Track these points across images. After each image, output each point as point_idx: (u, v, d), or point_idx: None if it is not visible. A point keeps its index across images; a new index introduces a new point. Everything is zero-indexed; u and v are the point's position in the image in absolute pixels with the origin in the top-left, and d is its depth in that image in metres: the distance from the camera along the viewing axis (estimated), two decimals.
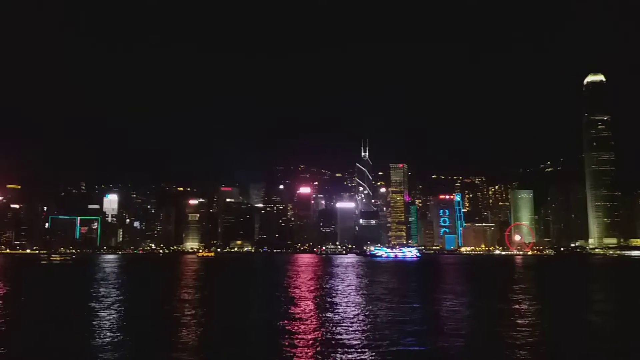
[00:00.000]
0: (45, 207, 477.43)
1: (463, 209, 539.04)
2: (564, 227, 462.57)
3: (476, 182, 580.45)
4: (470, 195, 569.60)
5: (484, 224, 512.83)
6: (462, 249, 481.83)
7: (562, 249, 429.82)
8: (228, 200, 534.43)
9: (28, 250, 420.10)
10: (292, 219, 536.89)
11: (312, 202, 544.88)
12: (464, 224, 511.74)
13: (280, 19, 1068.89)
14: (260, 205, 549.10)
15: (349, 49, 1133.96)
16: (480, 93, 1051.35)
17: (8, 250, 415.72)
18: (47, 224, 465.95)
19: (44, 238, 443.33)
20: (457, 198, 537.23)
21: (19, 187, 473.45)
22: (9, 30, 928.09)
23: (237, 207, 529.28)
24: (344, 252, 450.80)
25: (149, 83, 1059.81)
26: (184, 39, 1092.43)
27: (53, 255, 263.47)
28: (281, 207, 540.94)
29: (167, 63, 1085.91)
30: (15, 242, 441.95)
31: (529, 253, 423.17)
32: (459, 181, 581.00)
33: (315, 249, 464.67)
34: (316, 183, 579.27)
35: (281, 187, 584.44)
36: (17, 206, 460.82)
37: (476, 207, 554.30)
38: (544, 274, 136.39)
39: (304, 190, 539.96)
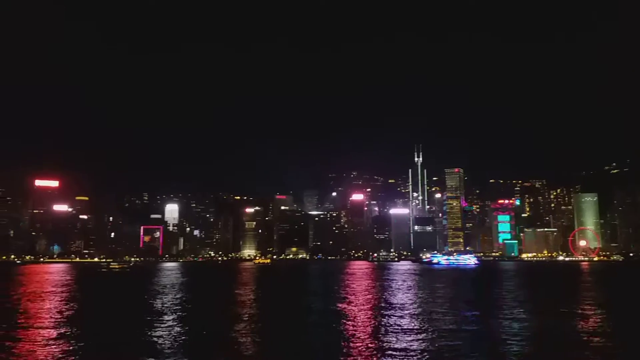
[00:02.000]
0: (111, 218, 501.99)
1: (523, 213, 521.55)
2: (632, 231, 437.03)
3: (537, 185, 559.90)
4: (531, 200, 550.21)
5: (545, 229, 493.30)
6: (523, 255, 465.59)
7: (631, 254, 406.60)
8: (282, 208, 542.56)
9: (96, 259, 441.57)
10: (346, 226, 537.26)
11: (365, 208, 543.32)
12: (525, 230, 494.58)
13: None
14: (314, 212, 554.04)
15: (397, 40, 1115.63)
16: (539, 94, 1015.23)
17: (78, 259, 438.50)
18: (112, 234, 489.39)
19: (110, 247, 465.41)
20: (517, 202, 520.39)
21: (86, 198, 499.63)
22: (53, 38, 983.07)
23: (292, 215, 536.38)
24: (396, 259, 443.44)
25: (206, 91, 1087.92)
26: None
27: (112, 264, 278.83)
28: (334, 214, 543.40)
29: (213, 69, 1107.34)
30: (84, 251, 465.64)
31: (595, 259, 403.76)
32: (519, 185, 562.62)
33: (369, 256, 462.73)
34: (369, 190, 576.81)
35: (334, 194, 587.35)
36: (85, 217, 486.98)
37: (537, 212, 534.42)
38: (614, 282, 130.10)
39: (357, 197, 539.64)
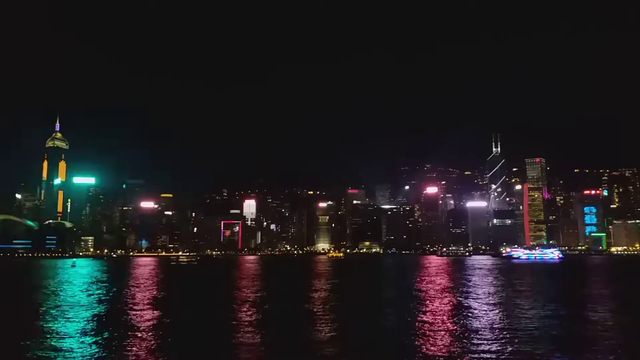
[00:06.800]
0: (193, 213, 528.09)
1: (612, 204, 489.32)
2: None
3: (626, 174, 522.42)
4: (620, 190, 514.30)
5: (637, 221, 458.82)
6: (612, 249, 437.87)
7: None
8: (355, 202, 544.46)
9: (180, 253, 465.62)
10: (420, 219, 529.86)
11: (440, 202, 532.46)
12: (614, 222, 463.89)
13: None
14: (387, 206, 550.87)
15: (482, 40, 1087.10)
16: (625, 77, 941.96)
17: (164, 253, 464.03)
18: (195, 229, 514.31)
19: (193, 241, 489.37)
20: (605, 193, 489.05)
21: (171, 195, 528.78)
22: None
23: (364, 209, 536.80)
24: (467, 253, 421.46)
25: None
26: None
27: (181, 257, 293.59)
28: (408, 208, 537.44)
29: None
30: (169, 245, 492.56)
31: None
32: (606, 174, 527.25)
33: (443, 250, 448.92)
34: (444, 182, 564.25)
35: (407, 187, 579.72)
36: (169, 213, 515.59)
37: (627, 203, 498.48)
38: None
39: (431, 190, 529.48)
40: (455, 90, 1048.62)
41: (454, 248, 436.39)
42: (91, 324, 47.28)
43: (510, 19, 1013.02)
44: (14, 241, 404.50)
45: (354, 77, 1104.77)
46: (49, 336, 40.80)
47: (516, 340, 38.08)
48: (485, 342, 37.60)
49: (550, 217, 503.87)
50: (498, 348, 35.61)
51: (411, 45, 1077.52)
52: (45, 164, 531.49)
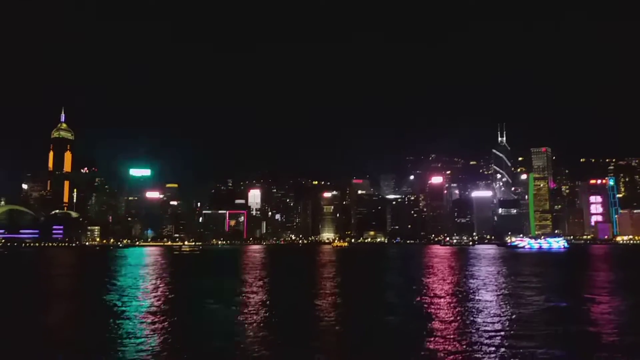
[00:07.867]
0: (198, 203, 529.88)
1: (618, 194, 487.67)
2: None
3: (633, 164, 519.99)
4: (626, 179, 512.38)
5: None
6: (618, 238, 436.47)
7: None
8: (360, 192, 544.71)
9: (186, 242, 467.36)
10: (425, 209, 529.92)
11: (445, 192, 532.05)
12: (620, 211, 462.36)
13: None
14: (392, 196, 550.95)
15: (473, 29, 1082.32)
16: (629, 66, 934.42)
17: (169, 243, 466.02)
18: (200, 219, 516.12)
19: (199, 231, 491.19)
20: (611, 182, 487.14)
21: (176, 185, 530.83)
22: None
23: (369, 199, 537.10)
24: (471, 243, 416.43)
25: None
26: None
27: (184, 247, 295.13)
28: (412, 198, 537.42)
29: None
30: (175, 235, 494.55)
31: None
32: (612, 164, 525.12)
33: (447, 240, 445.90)
34: (449, 172, 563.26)
35: (411, 177, 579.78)
36: (175, 203, 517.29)
37: (634, 192, 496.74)
38: None
39: (436, 179, 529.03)
40: (456, 90, 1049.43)
41: (457, 237, 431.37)
42: (92, 314, 47.73)
43: (511, 19, 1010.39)
44: (21, 231, 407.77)
45: (354, 77, 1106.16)
46: (49, 327, 41.18)
47: (519, 333, 38.03)
48: (488, 334, 37.57)
49: (556, 206, 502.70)
50: (500, 341, 35.57)
51: (411, 45, 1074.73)
52: (51, 154, 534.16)
